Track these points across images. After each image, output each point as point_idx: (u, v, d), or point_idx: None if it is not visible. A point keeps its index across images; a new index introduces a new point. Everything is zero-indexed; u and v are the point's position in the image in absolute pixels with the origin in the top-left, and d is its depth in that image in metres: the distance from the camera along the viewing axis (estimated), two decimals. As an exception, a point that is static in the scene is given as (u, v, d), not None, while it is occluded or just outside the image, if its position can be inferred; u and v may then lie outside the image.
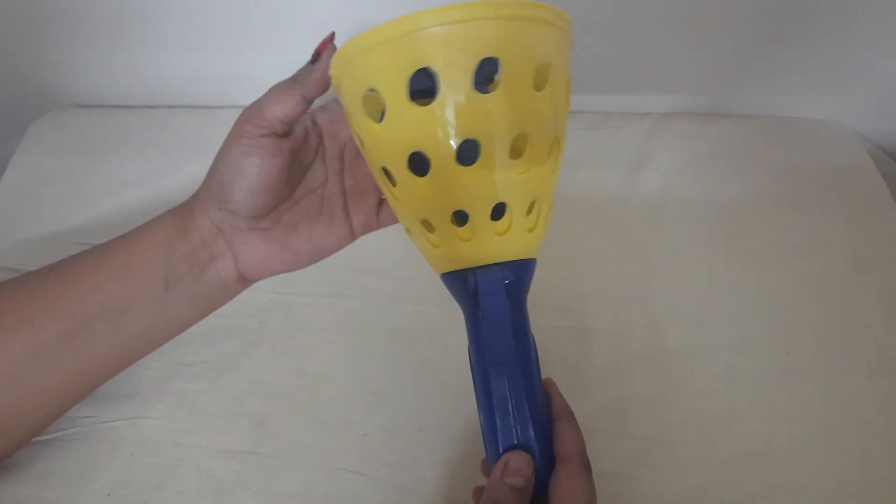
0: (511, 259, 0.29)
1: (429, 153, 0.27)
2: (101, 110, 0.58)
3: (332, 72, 0.29)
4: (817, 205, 0.49)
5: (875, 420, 0.39)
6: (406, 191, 0.28)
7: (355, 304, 0.45)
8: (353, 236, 0.36)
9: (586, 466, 0.28)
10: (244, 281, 0.34)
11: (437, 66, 0.25)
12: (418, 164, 0.27)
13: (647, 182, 0.51)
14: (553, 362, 0.42)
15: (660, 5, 0.45)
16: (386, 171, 0.29)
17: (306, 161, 0.35)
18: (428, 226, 0.29)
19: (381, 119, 0.27)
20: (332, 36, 0.30)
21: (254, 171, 0.31)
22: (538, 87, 0.26)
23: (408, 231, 0.31)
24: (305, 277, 0.45)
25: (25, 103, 0.58)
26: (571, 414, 0.30)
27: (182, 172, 0.52)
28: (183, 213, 0.33)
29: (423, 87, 0.26)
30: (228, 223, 0.32)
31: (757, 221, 0.48)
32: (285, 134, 0.32)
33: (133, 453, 0.38)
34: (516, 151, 0.27)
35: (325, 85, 0.30)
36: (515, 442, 0.28)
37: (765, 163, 0.52)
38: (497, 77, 0.27)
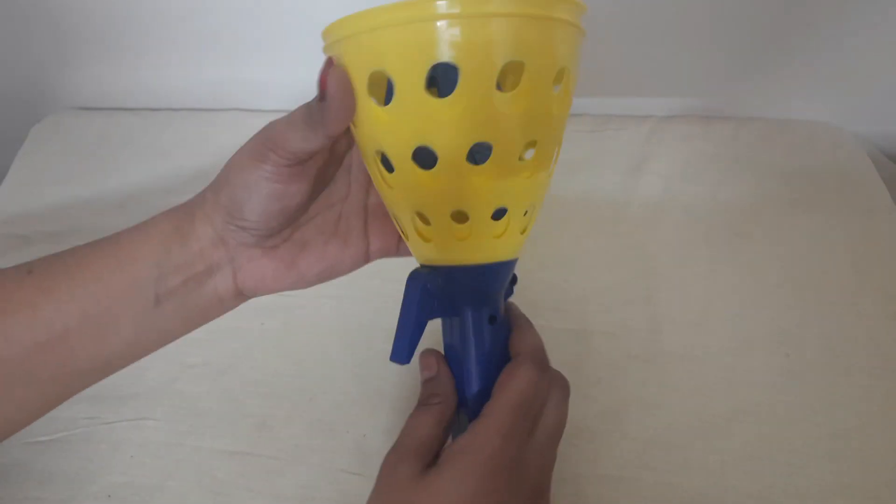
0: (501, 260, 0.29)
1: (438, 149, 0.25)
2: (102, 113, 0.58)
3: (328, 38, 0.26)
4: (817, 207, 0.49)
5: (876, 422, 0.39)
6: (404, 181, 0.27)
7: (356, 306, 0.45)
8: (366, 260, 0.33)
9: (535, 361, 0.30)
10: (241, 297, 0.32)
11: (462, 61, 0.23)
12: (424, 156, 0.26)
13: (647, 184, 0.51)
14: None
15: (659, 8, 0.45)
16: (383, 156, 0.27)
17: (329, 174, 0.32)
18: (423, 218, 0.28)
19: (386, 102, 0.25)
20: (331, 62, 0.26)
21: (275, 197, 0.28)
22: (554, 88, 0.25)
23: (394, 217, 0.30)
24: (306, 279, 0.46)
25: (27, 106, 0.59)
26: (528, 322, 0.33)
27: (183, 174, 0.52)
28: (182, 216, 0.30)
29: (430, 75, 0.24)
30: (234, 237, 0.29)
31: (757, 223, 0.48)
32: (310, 159, 0.29)
33: (134, 454, 0.39)
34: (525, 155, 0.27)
35: (348, 115, 0.26)
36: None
37: (765, 165, 0.52)
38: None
